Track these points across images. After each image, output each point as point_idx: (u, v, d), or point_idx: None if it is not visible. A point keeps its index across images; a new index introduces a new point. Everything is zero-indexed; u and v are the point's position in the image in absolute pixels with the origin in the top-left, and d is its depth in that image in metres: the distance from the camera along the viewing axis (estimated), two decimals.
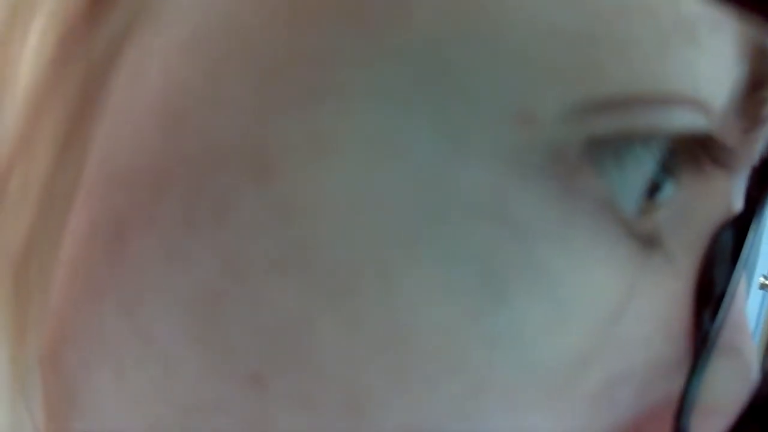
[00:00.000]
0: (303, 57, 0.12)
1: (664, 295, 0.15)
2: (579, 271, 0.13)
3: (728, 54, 0.13)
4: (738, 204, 0.16)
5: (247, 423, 0.13)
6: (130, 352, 0.13)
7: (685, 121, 0.13)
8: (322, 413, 0.12)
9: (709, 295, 0.15)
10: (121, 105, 0.13)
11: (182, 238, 0.12)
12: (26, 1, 0.12)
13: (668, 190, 0.14)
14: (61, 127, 0.12)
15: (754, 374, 0.16)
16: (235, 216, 0.12)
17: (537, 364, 0.13)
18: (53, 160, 0.12)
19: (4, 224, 0.12)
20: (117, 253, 0.13)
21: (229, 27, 0.12)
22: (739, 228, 0.15)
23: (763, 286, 1.60)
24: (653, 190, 0.14)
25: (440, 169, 0.12)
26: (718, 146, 0.14)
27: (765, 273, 1.60)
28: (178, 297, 0.12)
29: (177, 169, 0.12)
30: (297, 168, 0.12)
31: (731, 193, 0.16)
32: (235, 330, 0.12)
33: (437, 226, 0.12)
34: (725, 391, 0.15)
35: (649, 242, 0.14)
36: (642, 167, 0.13)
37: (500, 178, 0.12)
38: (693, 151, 0.14)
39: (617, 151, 0.13)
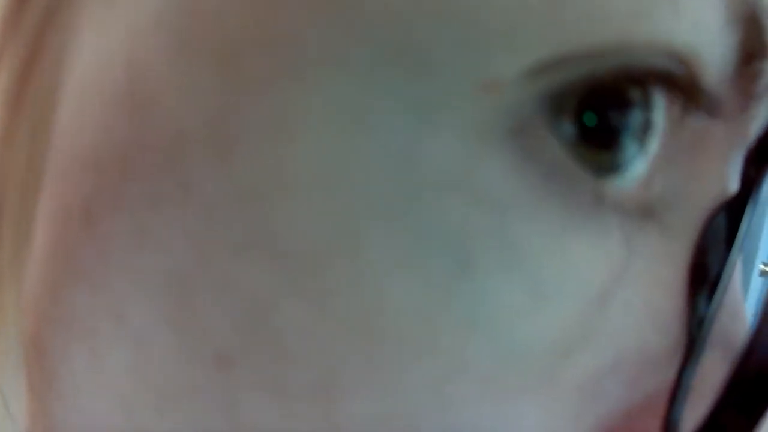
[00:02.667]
0: (265, 36, 0.12)
1: (656, 282, 0.14)
2: (555, 249, 0.13)
3: (714, 18, 0.13)
4: (734, 185, 0.15)
5: (215, 406, 0.12)
6: (104, 333, 0.13)
7: (658, 63, 0.12)
8: (289, 397, 0.12)
9: (704, 280, 0.14)
10: (86, 88, 0.13)
11: (149, 218, 0.12)
12: None
13: (650, 157, 0.13)
14: (33, 123, 0.12)
15: None
16: (199, 196, 0.12)
17: (517, 348, 0.12)
18: (28, 156, 0.12)
19: None
20: (88, 234, 0.13)
21: (191, 8, 0.12)
22: (734, 210, 0.15)
23: (763, 273, 1.60)
24: (628, 160, 0.13)
25: (407, 143, 0.12)
26: (707, 96, 0.14)
27: (765, 260, 1.59)
28: (147, 277, 0.12)
29: (143, 151, 0.12)
30: (259, 147, 0.12)
31: (726, 173, 0.15)
32: (203, 311, 0.12)
33: (405, 202, 0.12)
34: (720, 382, 0.15)
35: (637, 221, 0.13)
36: (616, 128, 0.13)
37: (469, 150, 0.12)
38: (677, 101, 0.14)
39: (583, 105, 0.13)
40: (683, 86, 0.13)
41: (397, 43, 0.12)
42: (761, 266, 1.60)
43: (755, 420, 0.12)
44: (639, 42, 0.12)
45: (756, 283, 1.65)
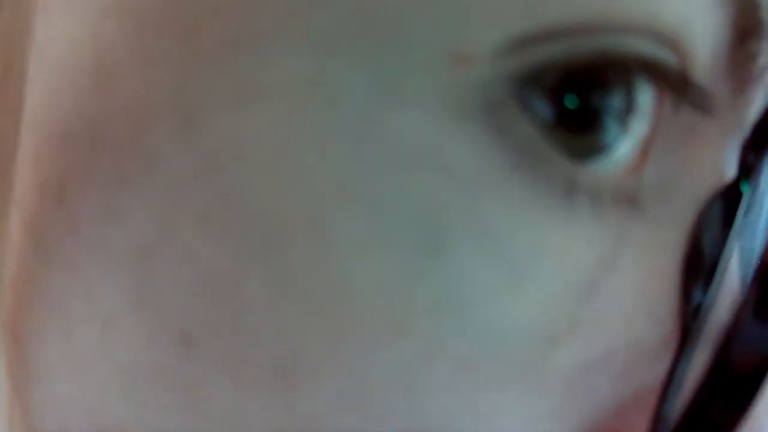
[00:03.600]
0: (225, 8, 0.12)
1: (647, 271, 0.13)
2: (529, 230, 0.12)
3: None
4: (731, 172, 0.15)
5: (177, 387, 0.12)
6: (75, 313, 0.13)
7: (642, 48, 0.12)
8: (250, 379, 0.12)
9: (699, 270, 0.14)
10: (54, 66, 0.13)
11: (117, 194, 0.12)
12: None
13: (612, 133, 0.13)
14: None
15: None
16: (163, 170, 0.12)
17: (493, 332, 0.12)
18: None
19: None
20: (60, 211, 0.13)
21: None
22: (731, 198, 0.14)
23: None
24: (611, 141, 0.13)
25: (372, 115, 0.11)
26: (698, 90, 0.13)
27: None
28: (114, 255, 0.12)
29: (109, 127, 0.12)
30: (220, 118, 0.12)
31: (722, 160, 0.14)
32: (167, 287, 0.12)
33: (371, 176, 0.12)
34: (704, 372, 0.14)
35: (628, 209, 0.13)
36: (591, 108, 0.12)
37: (437, 123, 0.12)
38: (664, 88, 0.13)
39: (557, 83, 0.12)
40: (672, 77, 0.13)
41: (361, 12, 0.11)
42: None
43: (740, 412, 0.11)
44: (620, 19, 0.11)
45: None
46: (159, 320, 0.12)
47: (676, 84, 0.13)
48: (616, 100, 0.13)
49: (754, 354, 0.12)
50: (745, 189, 0.14)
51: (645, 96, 0.13)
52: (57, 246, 0.13)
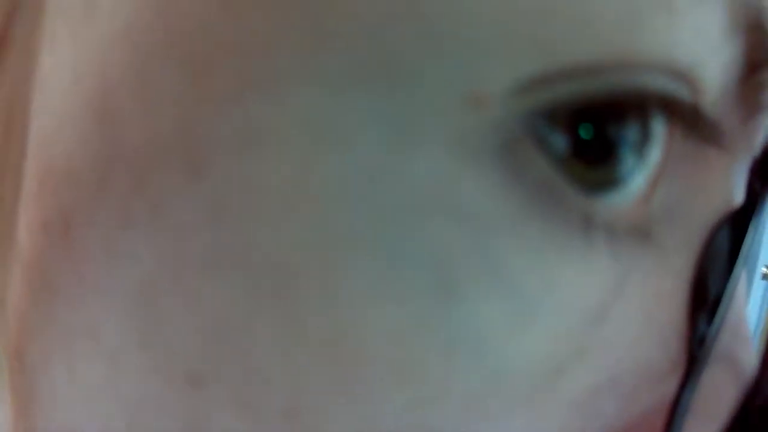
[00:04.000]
0: (236, 46, 0.11)
1: (654, 296, 0.14)
2: (541, 268, 0.12)
3: (715, 27, 0.12)
4: (738, 198, 0.15)
5: (185, 423, 0.12)
6: (80, 348, 0.13)
7: (657, 84, 0.12)
8: (259, 418, 0.12)
9: (706, 296, 0.14)
10: (61, 100, 0.13)
11: (122, 235, 0.12)
12: None
13: (628, 165, 0.13)
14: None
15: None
16: (170, 214, 0.12)
17: (502, 369, 0.12)
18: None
19: None
20: (65, 248, 0.13)
21: (162, 18, 0.12)
22: (738, 224, 0.14)
23: (765, 277, 1.59)
24: (627, 174, 0.13)
25: (385, 159, 0.11)
26: (708, 123, 0.13)
27: (767, 263, 1.59)
28: (119, 295, 0.12)
29: (115, 166, 0.12)
30: (229, 163, 0.11)
31: (730, 187, 0.14)
32: (174, 329, 0.12)
33: (383, 221, 0.11)
34: (721, 399, 0.14)
35: (636, 236, 0.13)
36: (607, 142, 0.12)
37: (450, 167, 0.11)
38: (676, 123, 0.13)
39: (563, 126, 0.12)
40: (684, 110, 0.13)
41: (376, 55, 0.11)
42: (763, 269, 1.59)
43: None
44: (635, 56, 0.11)
45: (758, 285, 1.64)
46: (166, 359, 0.12)
47: (687, 117, 0.13)
48: (632, 131, 0.13)
49: None
50: (753, 216, 0.14)
51: (659, 126, 0.13)
52: (61, 283, 0.13)
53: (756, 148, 0.15)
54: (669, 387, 0.14)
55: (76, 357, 0.13)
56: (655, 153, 0.13)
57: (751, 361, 0.15)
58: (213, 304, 0.12)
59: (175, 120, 0.12)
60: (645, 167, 0.13)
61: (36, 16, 0.13)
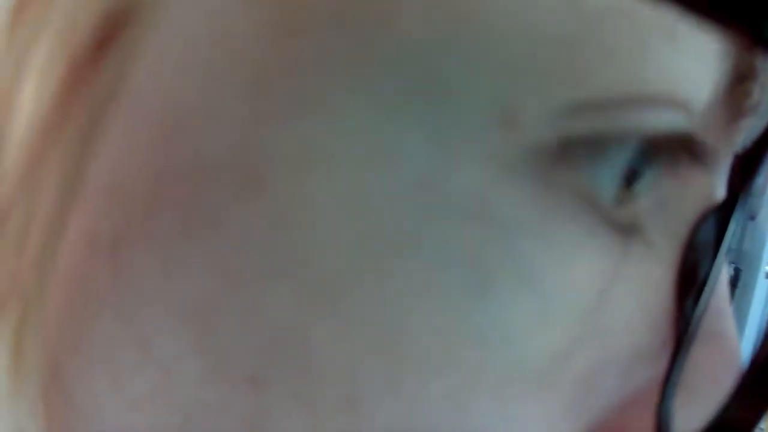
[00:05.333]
0: (291, 67, 0.12)
1: (645, 283, 0.15)
2: (561, 265, 0.13)
3: (710, 52, 0.13)
4: (720, 192, 0.16)
5: (246, 422, 0.13)
6: (129, 358, 0.13)
7: (664, 121, 0.13)
8: (317, 414, 0.13)
9: (692, 282, 0.15)
10: (120, 116, 0.13)
11: (178, 249, 0.13)
12: (30, 28, 0.11)
13: (647, 180, 0.14)
14: (65, 165, 0.12)
15: (737, 359, 0.16)
16: (228, 227, 0.12)
17: (524, 358, 0.13)
18: (57, 196, 0.12)
19: (3, 262, 0.12)
20: (115, 264, 0.13)
21: (220, 39, 0.12)
22: (721, 216, 0.16)
23: None
24: (631, 180, 0.14)
25: (429, 171, 0.12)
26: (699, 146, 0.15)
27: None
28: (175, 306, 0.13)
29: (172, 182, 0.12)
30: (287, 177, 0.12)
31: (713, 182, 0.16)
32: (232, 337, 0.13)
33: (427, 229, 0.12)
34: (708, 376, 0.16)
35: (629, 231, 0.14)
36: (619, 161, 0.14)
37: (486, 179, 0.13)
38: (673, 148, 0.15)
39: (594, 147, 0.13)
40: (683, 141, 0.14)
41: (422, 75, 0.12)
42: (767, 268, 1.60)
43: (759, 414, 0.13)
44: (646, 89, 0.13)
45: (762, 284, 1.65)
46: (224, 365, 0.13)
47: (683, 143, 0.14)
48: (652, 159, 0.14)
49: None
50: (734, 210, 0.16)
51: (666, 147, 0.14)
52: (108, 295, 0.13)
53: (737, 147, 0.16)
54: (660, 365, 0.15)
55: (122, 368, 0.13)
56: (649, 175, 0.14)
57: (735, 338, 0.16)
58: (271, 311, 0.12)
59: (234, 137, 0.12)
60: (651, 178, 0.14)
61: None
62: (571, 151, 0.13)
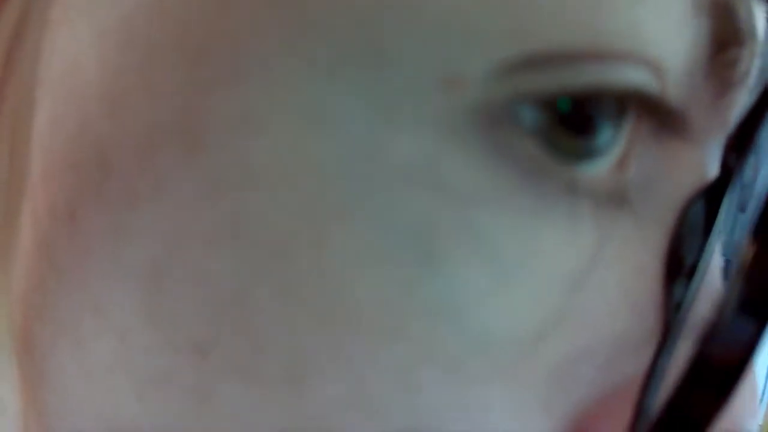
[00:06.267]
0: (228, 35, 0.12)
1: (631, 266, 0.14)
2: (524, 236, 0.13)
3: (678, 7, 0.13)
4: (712, 172, 0.15)
5: (191, 392, 0.13)
6: (87, 326, 0.13)
7: (624, 77, 0.12)
8: (261, 384, 0.13)
9: (681, 267, 0.14)
10: (62, 89, 0.13)
11: (126, 215, 0.13)
12: None
13: (608, 138, 0.13)
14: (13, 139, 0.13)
15: None
16: (171, 191, 0.12)
17: (483, 334, 0.13)
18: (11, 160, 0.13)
19: None
20: (70, 231, 0.13)
21: (157, 8, 0.12)
22: (712, 198, 0.15)
23: None
24: (587, 133, 0.13)
25: (370, 137, 0.12)
26: (677, 115, 0.14)
27: None
28: (125, 272, 0.13)
29: (119, 149, 0.13)
30: (228, 143, 0.12)
31: (704, 161, 0.15)
32: (179, 302, 0.13)
33: (370, 194, 0.12)
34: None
35: (611, 208, 0.13)
36: (575, 120, 0.13)
37: (431, 143, 0.12)
38: (643, 110, 0.14)
39: (544, 106, 0.13)
40: (652, 103, 0.13)
41: (359, 39, 0.12)
42: None
43: (719, 405, 0.12)
44: (604, 46, 0.12)
45: None
46: (172, 331, 0.13)
47: (654, 107, 0.13)
48: (608, 105, 0.13)
49: (735, 348, 0.12)
50: (727, 189, 0.15)
51: (632, 103, 0.13)
52: (69, 264, 0.13)
53: (729, 124, 0.15)
54: (645, 356, 0.14)
55: (84, 336, 0.13)
56: (629, 123, 0.13)
57: None
58: (214, 276, 0.12)
59: (175, 103, 0.12)
60: (621, 137, 0.13)
61: (45, 8, 0.14)
62: (519, 111, 0.12)
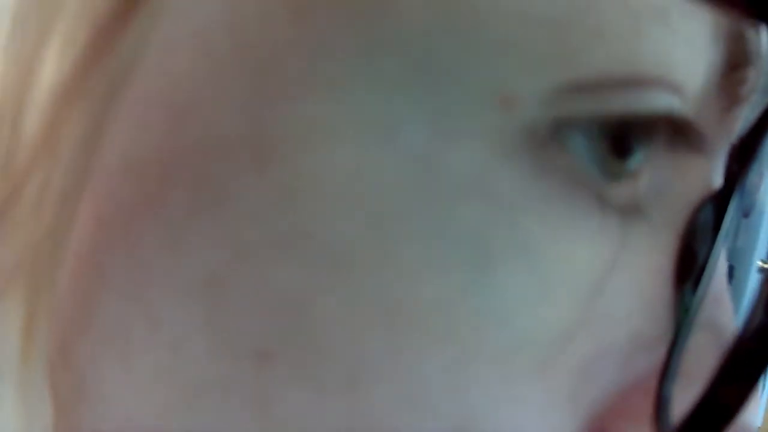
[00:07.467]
0: (297, 49, 0.12)
1: (645, 270, 0.15)
2: (559, 244, 0.14)
3: (702, 36, 0.14)
4: (717, 180, 0.16)
5: (253, 400, 0.13)
6: (138, 338, 0.13)
7: (657, 103, 0.13)
8: (322, 389, 0.13)
9: (690, 270, 0.15)
10: (130, 98, 0.13)
11: (187, 226, 0.13)
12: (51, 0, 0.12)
13: (640, 158, 0.14)
14: (83, 132, 0.12)
15: None
16: (235, 202, 0.13)
17: (523, 335, 0.13)
18: (73, 164, 0.12)
19: (18, 229, 0.12)
20: (124, 242, 0.13)
21: (230, 23, 0.12)
22: (718, 203, 0.16)
23: (761, 270, 1.60)
24: (623, 154, 0.14)
25: (431, 151, 0.13)
26: (694, 131, 0.15)
27: (763, 258, 1.60)
28: (183, 283, 0.13)
29: (181, 161, 0.13)
30: (293, 154, 0.12)
31: (710, 170, 0.16)
32: (240, 310, 0.13)
33: (429, 205, 0.13)
34: (706, 362, 0.16)
35: (628, 216, 0.14)
36: (607, 141, 0.14)
37: (485, 158, 0.13)
38: (667, 130, 0.15)
39: (586, 128, 0.14)
40: (678, 123, 0.14)
41: (423, 56, 0.12)
42: (759, 263, 1.61)
43: (747, 394, 0.13)
44: (640, 71, 0.13)
45: (754, 279, 1.65)
46: (232, 340, 0.13)
47: (678, 127, 0.15)
48: (643, 132, 0.14)
49: (761, 338, 0.13)
50: (732, 196, 0.16)
51: (661, 128, 0.15)
52: (121, 276, 0.13)
53: (733, 135, 0.16)
54: (659, 352, 0.15)
55: (134, 348, 0.13)
56: (658, 145, 0.15)
57: (733, 325, 0.16)
58: (278, 285, 0.13)
59: (242, 115, 0.12)
60: (649, 159, 0.14)
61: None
62: (565, 132, 0.13)
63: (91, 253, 0.13)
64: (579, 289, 0.14)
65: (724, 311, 0.16)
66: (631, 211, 0.15)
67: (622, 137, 0.14)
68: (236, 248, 0.13)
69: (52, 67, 0.11)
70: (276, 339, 0.13)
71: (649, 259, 0.15)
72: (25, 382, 0.13)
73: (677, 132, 0.15)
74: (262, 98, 0.12)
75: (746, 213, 0.17)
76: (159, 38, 0.13)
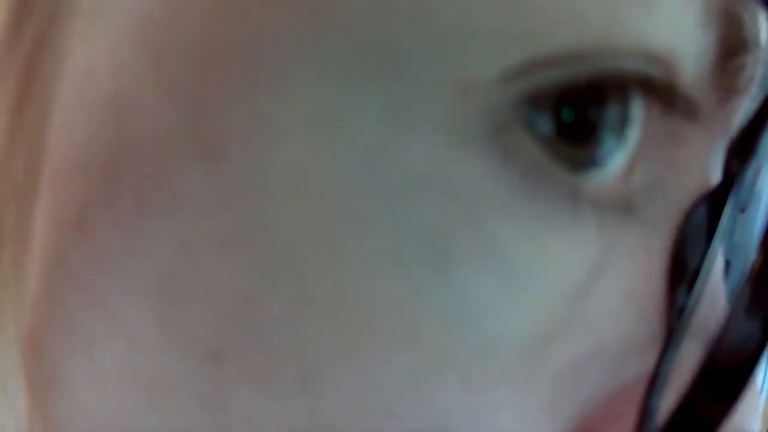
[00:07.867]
0: (242, 42, 0.12)
1: (635, 272, 0.14)
2: (531, 243, 0.13)
3: (689, 17, 0.13)
4: (715, 178, 0.15)
5: (205, 401, 0.13)
6: (99, 334, 0.13)
7: (634, 66, 0.13)
8: (275, 391, 0.13)
9: (684, 271, 0.15)
10: (75, 97, 0.13)
11: (138, 223, 0.13)
12: None
13: (609, 145, 0.14)
14: (28, 147, 0.12)
15: None
16: (184, 199, 0.12)
17: (493, 341, 0.13)
18: (24, 179, 0.13)
19: None
20: (81, 239, 0.13)
21: (173, 16, 0.12)
22: (715, 203, 0.15)
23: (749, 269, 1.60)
24: (591, 140, 0.13)
25: (383, 143, 0.12)
26: (685, 99, 0.14)
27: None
28: (138, 280, 0.13)
29: (130, 156, 0.13)
30: (242, 150, 0.12)
31: (707, 166, 0.15)
32: (192, 309, 0.13)
33: (384, 202, 0.12)
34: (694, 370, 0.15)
35: (618, 214, 0.14)
36: (595, 128, 0.13)
37: (444, 149, 0.12)
38: (657, 109, 0.14)
39: (552, 108, 0.13)
40: (660, 89, 0.13)
41: (372, 45, 0.12)
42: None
43: (727, 407, 0.12)
44: (613, 45, 0.12)
45: None
46: (186, 339, 0.13)
47: (664, 95, 0.14)
48: (612, 114, 0.13)
49: (742, 350, 0.12)
50: (729, 194, 0.15)
51: (637, 108, 0.14)
52: (80, 272, 0.13)
53: (732, 130, 0.16)
54: (649, 359, 0.14)
55: (96, 343, 0.13)
56: (634, 133, 0.14)
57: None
58: (228, 284, 0.12)
59: (189, 112, 0.12)
60: (625, 146, 0.14)
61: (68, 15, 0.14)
62: (528, 113, 0.13)
63: (54, 248, 0.14)
64: (557, 291, 0.13)
65: (719, 317, 0.15)
66: (621, 210, 0.14)
67: (584, 121, 0.13)
68: (185, 247, 0.12)
69: None
70: (227, 339, 0.13)
71: (641, 260, 0.14)
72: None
73: (669, 106, 0.14)
74: (206, 93, 0.12)
75: (743, 208, 0.16)
76: (105, 39, 0.13)
